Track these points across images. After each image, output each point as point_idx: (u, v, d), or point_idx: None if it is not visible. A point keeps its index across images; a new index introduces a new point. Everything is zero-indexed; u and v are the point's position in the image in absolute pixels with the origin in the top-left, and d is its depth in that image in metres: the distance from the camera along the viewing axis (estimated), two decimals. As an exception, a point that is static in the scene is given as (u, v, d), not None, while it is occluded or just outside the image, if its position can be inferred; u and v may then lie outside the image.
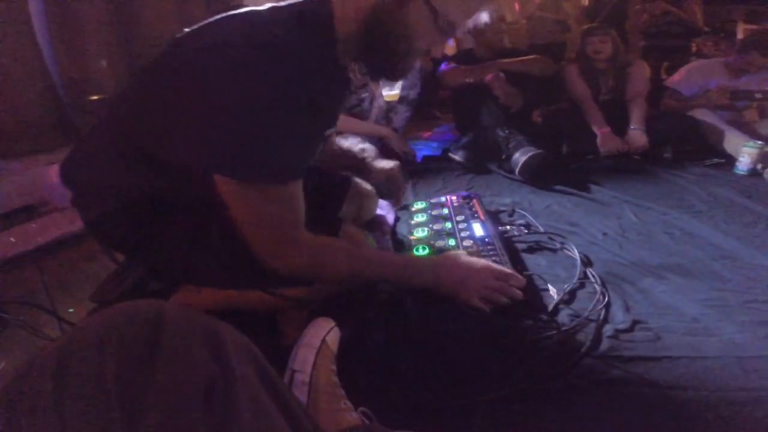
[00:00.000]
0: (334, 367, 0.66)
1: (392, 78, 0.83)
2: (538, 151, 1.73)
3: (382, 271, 0.87)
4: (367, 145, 1.79)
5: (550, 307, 0.92)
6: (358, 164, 1.18)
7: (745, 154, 1.79)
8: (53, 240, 1.33)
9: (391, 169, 1.20)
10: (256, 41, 0.61)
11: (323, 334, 0.67)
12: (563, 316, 0.90)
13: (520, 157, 1.73)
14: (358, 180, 1.19)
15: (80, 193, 0.82)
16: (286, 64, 0.62)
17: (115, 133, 0.76)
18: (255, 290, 0.83)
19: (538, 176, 1.74)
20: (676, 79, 2.26)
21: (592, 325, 0.87)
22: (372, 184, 1.20)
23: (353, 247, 0.85)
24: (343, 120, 1.91)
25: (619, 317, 0.89)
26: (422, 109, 3.24)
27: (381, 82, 2.08)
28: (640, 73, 2.13)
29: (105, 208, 0.78)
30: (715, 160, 1.94)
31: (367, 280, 0.89)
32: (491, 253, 1.02)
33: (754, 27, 3.24)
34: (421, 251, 1.06)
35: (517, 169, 1.75)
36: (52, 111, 1.70)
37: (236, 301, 0.86)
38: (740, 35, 3.33)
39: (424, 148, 2.38)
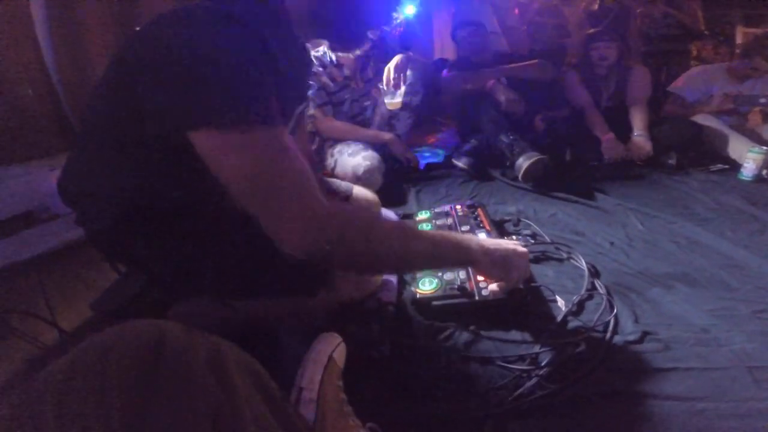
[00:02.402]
0: (341, 384, 0.65)
1: (350, 50, 0.84)
2: (541, 156, 1.72)
3: (427, 245, 0.75)
4: (370, 152, 1.80)
5: (559, 319, 0.91)
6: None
7: (750, 160, 1.78)
8: (53, 247, 1.31)
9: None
10: (210, 7, 0.61)
11: (330, 350, 0.66)
12: (572, 328, 0.89)
13: (522, 162, 1.73)
14: (360, 188, 1.19)
15: (82, 210, 0.81)
16: (240, 21, 0.61)
17: (101, 140, 0.74)
18: (261, 300, 0.82)
19: (540, 182, 1.73)
20: (679, 85, 2.26)
21: (601, 336, 0.86)
22: None
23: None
24: (346, 127, 1.92)
25: (629, 328, 0.88)
26: (423, 115, 3.24)
27: (382, 90, 2.08)
28: (641, 78, 2.12)
29: (106, 222, 0.77)
30: (719, 166, 1.93)
31: (407, 259, 0.74)
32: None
33: (753, 30, 3.24)
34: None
35: (519, 175, 1.74)
36: (52, 114, 1.68)
37: (238, 314, 0.85)
38: (739, 39, 3.33)
39: (429, 156, 2.38)
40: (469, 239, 0.82)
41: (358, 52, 0.99)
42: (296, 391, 0.61)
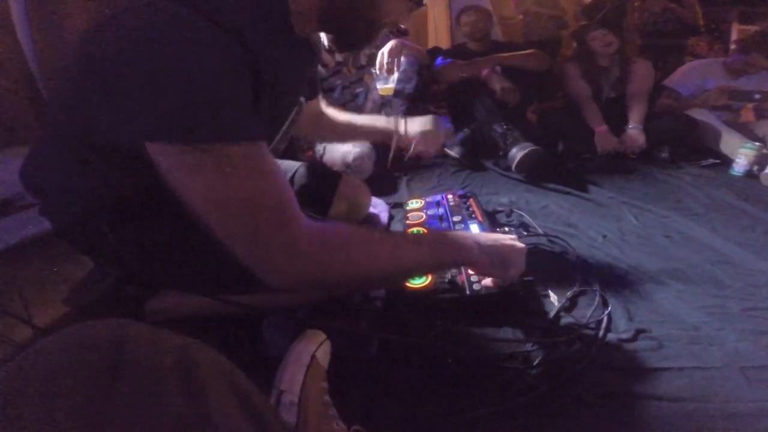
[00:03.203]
0: (325, 385, 0.62)
1: (354, 50, 0.80)
2: (535, 147, 1.70)
3: (421, 250, 0.70)
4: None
5: (551, 315, 0.89)
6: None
7: (741, 156, 1.78)
8: (29, 237, 1.26)
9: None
10: (183, 2, 0.52)
11: (313, 349, 0.62)
12: (564, 325, 0.86)
13: (516, 153, 1.70)
14: (349, 176, 1.15)
15: (46, 201, 0.76)
16: (215, 19, 0.52)
17: (64, 131, 0.67)
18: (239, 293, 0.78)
19: (534, 173, 1.71)
20: (674, 79, 2.24)
21: (594, 334, 0.84)
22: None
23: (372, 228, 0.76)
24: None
25: (622, 325, 0.86)
26: (415, 103, 3.19)
27: (375, 75, 2.02)
28: (644, 71, 2.09)
29: (73, 215, 0.72)
30: (711, 161, 1.92)
31: (401, 270, 0.69)
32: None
33: (748, 27, 3.24)
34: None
35: (513, 165, 1.71)
36: (30, 103, 1.63)
37: (217, 308, 0.81)
38: (734, 36, 3.33)
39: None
40: (464, 237, 0.77)
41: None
42: (276, 393, 0.57)
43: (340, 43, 0.75)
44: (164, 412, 0.30)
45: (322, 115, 1.14)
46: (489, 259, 0.76)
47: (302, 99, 0.90)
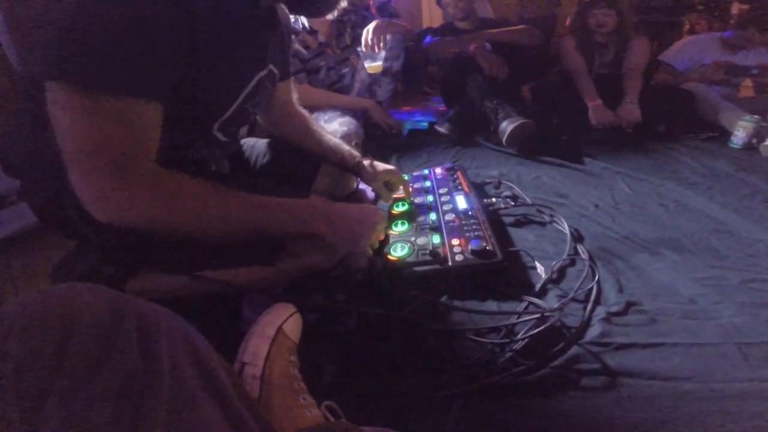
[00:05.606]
0: (293, 359, 0.58)
1: (313, 15, 0.78)
2: (526, 119, 1.65)
3: (261, 215, 0.70)
4: (347, 118, 1.70)
5: (537, 287, 0.84)
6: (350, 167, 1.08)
7: (740, 128, 1.73)
8: (21, 229, 1.25)
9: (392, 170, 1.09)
10: None
11: (280, 322, 0.59)
12: (551, 297, 0.82)
13: (507, 126, 1.65)
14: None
15: (24, 181, 0.74)
16: None
17: (21, 104, 0.68)
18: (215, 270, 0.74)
19: (525, 146, 1.66)
20: (671, 54, 2.19)
21: (582, 307, 0.80)
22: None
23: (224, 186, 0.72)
24: (323, 94, 1.82)
25: (612, 298, 0.82)
26: (411, 84, 3.15)
27: (361, 54, 1.97)
28: (641, 48, 2.04)
29: (43, 193, 0.71)
30: (709, 134, 1.88)
31: (234, 229, 0.68)
32: (474, 227, 0.94)
33: (747, 6, 3.16)
34: (401, 226, 0.98)
35: (504, 138, 1.66)
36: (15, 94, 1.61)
37: (195, 286, 0.77)
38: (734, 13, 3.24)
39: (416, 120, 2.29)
40: (316, 211, 0.75)
41: (329, 17, 0.90)
42: (237, 366, 0.54)
43: (293, 8, 0.75)
44: (114, 367, 0.31)
45: (291, 109, 1.09)
46: (335, 236, 0.74)
47: (273, 68, 0.86)
